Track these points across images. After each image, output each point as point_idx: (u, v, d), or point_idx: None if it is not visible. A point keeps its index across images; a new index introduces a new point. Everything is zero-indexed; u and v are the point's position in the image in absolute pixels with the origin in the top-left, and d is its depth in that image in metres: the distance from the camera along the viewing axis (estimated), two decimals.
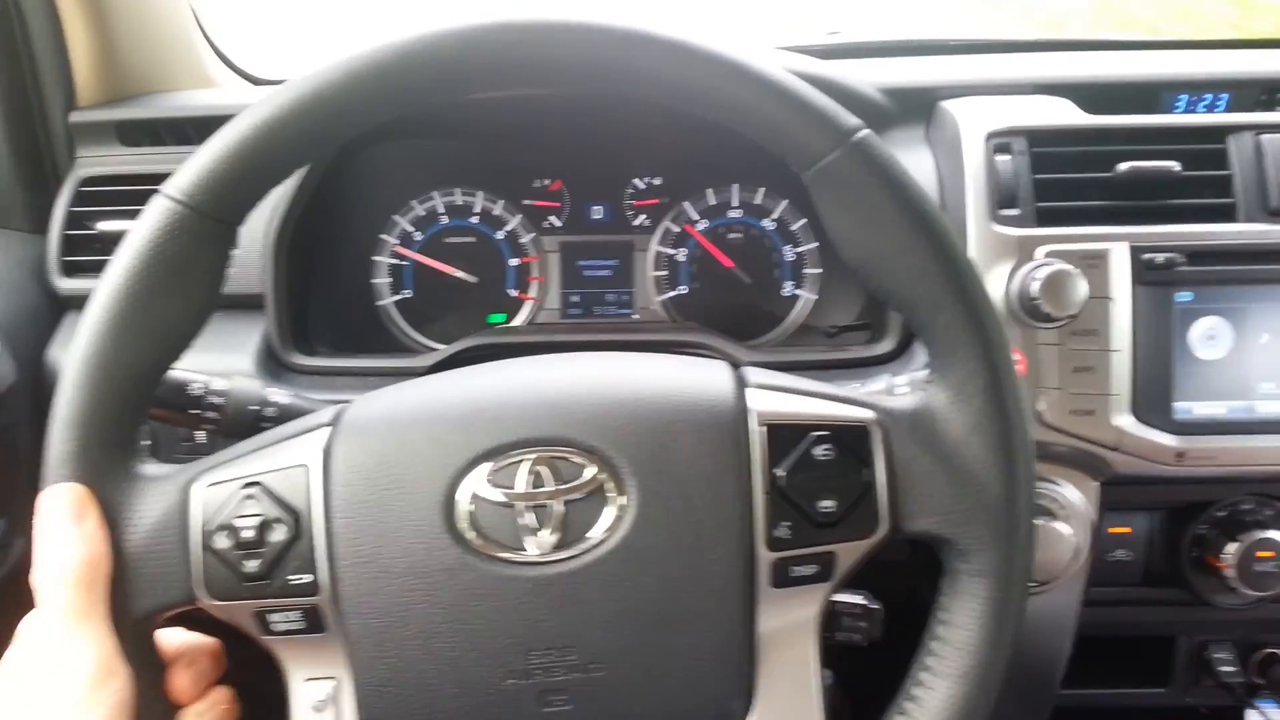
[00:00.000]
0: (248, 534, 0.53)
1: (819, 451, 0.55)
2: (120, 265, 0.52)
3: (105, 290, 0.52)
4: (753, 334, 1.06)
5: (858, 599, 0.66)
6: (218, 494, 0.54)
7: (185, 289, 0.53)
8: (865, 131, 0.53)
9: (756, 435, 0.55)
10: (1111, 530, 0.92)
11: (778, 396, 0.57)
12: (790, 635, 0.56)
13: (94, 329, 0.52)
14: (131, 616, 0.52)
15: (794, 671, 0.56)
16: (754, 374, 0.59)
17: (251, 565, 0.53)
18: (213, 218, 0.53)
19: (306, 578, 0.53)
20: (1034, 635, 0.93)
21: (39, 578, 0.51)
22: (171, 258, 0.52)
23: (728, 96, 0.53)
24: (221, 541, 0.53)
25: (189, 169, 0.53)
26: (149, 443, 0.87)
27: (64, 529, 0.51)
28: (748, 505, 0.54)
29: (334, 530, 0.53)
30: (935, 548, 0.57)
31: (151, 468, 0.55)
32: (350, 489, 0.54)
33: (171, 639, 0.57)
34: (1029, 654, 0.94)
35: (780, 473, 0.54)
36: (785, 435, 0.55)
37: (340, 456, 0.54)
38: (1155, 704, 1.05)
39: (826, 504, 0.54)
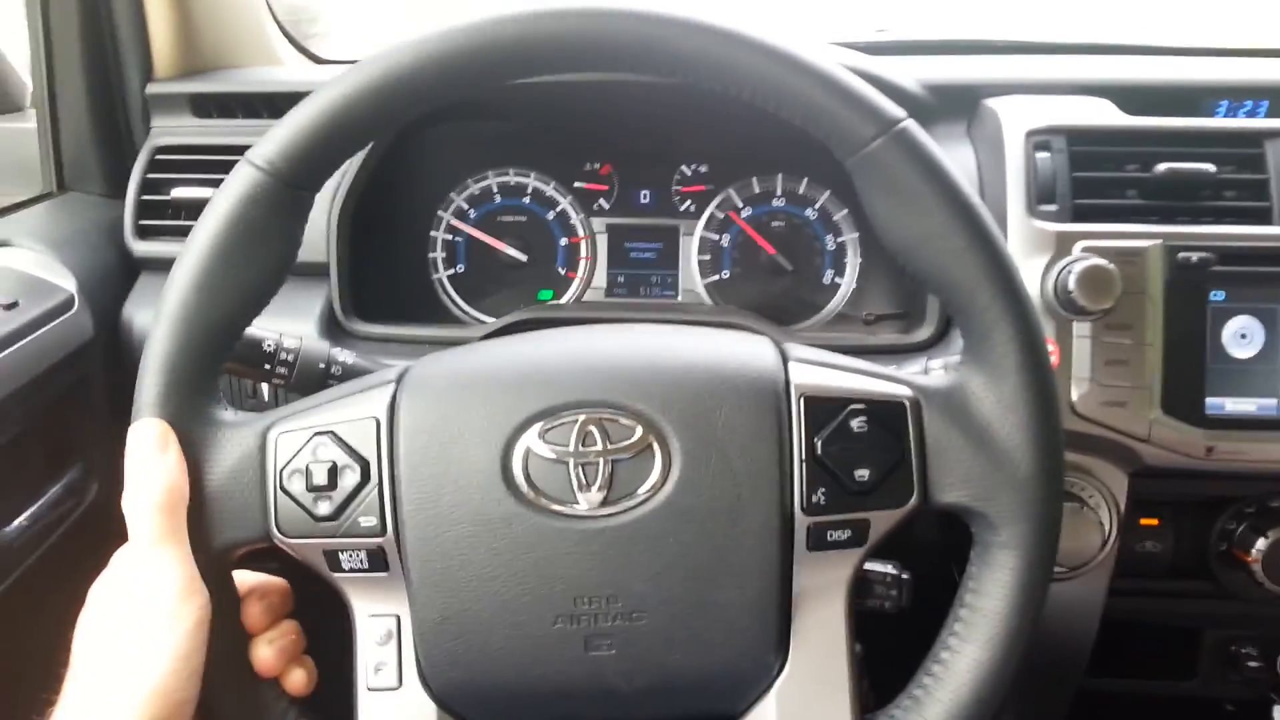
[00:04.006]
0: (320, 478, 0.56)
1: (855, 424, 0.57)
2: (207, 226, 0.56)
3: (193, 249, 0.56)
4: (792, 320, 1.09)
5: (889, 568, 0.69)
6: (293, 440, 0.57)
7: (265, 250, 0.57)
8: (907, 120, 0.55)
9: (796, 406, 0.57)
10: (1141, 522, 0.93)
11: (817, 370, 0.59)
12: (823, 596, 0.58)
13: (182, 285, 0.56)
14: (212, 550, 0.56)
15: (827, 630, 0.58)
16: (795, 349, 0.61)
17: (323, 507, 0.56)
18: (292, 185, 0.56)
19: (373, 520, 0.56)
20: (1060, 621, 0.94)
21: (128, 506, 0.55)
22: (253, 220, 0.56)
23: (775, 82, 0.55)
24: (296, 484, 0.56)
25: (271, 139, 0.56)
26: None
27: (150, 460, 0.55)
28: (786, 471, 0.56)
29: (399, 478, 0.56)
30: (966, 520, 0.59)
31: (230, 414, 0.59)
32: (414, 441, 0.57)
33: (244, 577, 0.61)
34: (1055, 640, 0.95)
35: (818, 442, 0.57)
36: (823, 407, 0.57)
37: (406, 411, 0.57)
38: (1180, 695, 1.07)
39: (861, 473, 0.56)
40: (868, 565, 0.66)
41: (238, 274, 0.56)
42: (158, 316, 0.56)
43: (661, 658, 0.57)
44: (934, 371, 0.79)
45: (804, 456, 0.57)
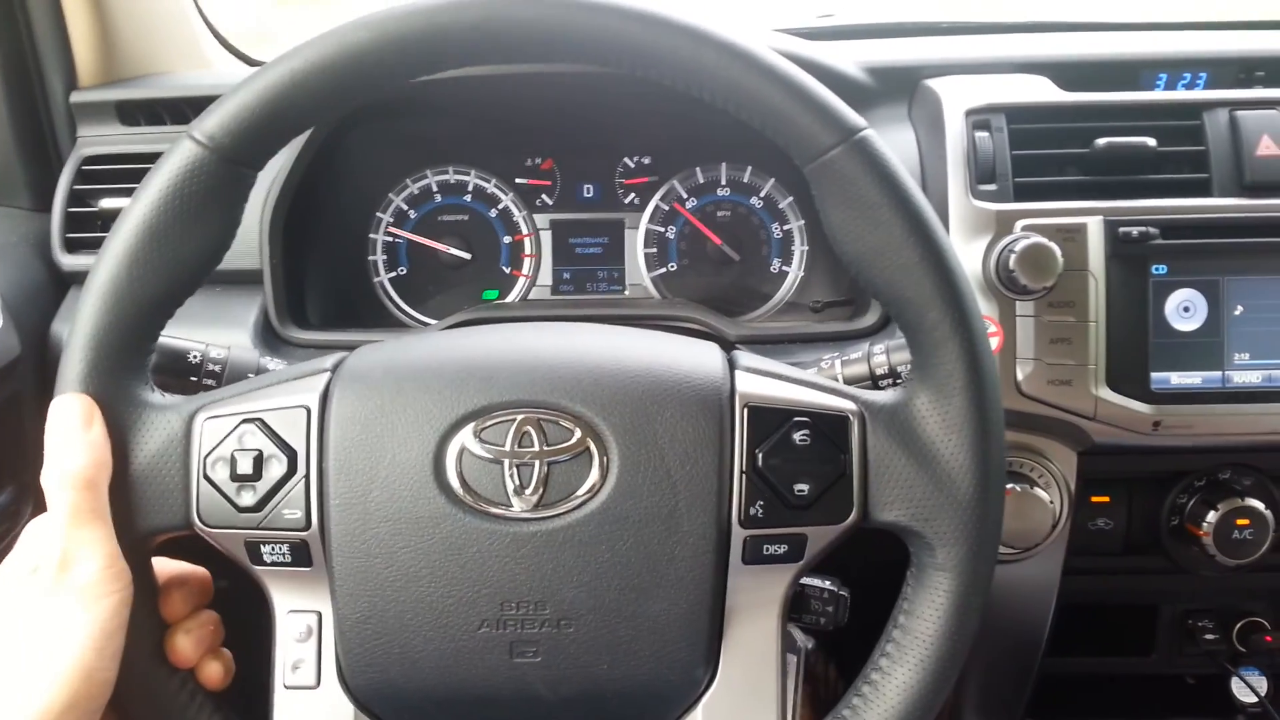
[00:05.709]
0: (244, 467, 0.55)
1: (798, 437, 0.56)
2: (143, 200, 0.55)
3: (127, 223, 0.55)
4: (740, 310, 1.08)
5: (827, 584, 0.68)
6: (219, 426, 0.56)
7: (201, 228, 0.55)
8: (868, 130, 0.55)
9: (739, 416, 0.56)
10: (1092, 499, 0.93)
11: (763, 381, 0.58)
12: (757, 611, 0.58)
13: (113, 260, 0.54)
14: (131, 535, 0.55)
15: (758, 646, 0.58)
16: (743, 357, 0.60)
17: (246, 497, 0.55)
18: (233, 161, 0.55)
19: (297, 513, 0.55)
20: (1017, 603, 0.95)
21: (47, 481, 0.53)
22: (191, 196, 0.54)
23: (736, 84, 0.54)
24: (220, 472, 0.55)
25: (213, 113, 0.54)
26: None
27: (72, 435, 0.53)
28: (725, 482, 0.56)
29: (327, 470, 0.55)
30: (904, 539, 0.58)
31: (157, 396, 0.57)
32: (345, 433, 0.56)
33: (164, 565, 0.60)
34: (1012, 622, 0.96)
35: (759, 454, 0.56)
36: (767, 418, 0.57)
37: (338, 401, 0.56)
38: (1140, 672, 1.07)
39: (801, 487, 0.56)
40: (805, 580, 0.66)
41: (172, 251, 0.55)
42: (86, 290, 0.55)
43: (588, 667, 0.56)
44: (876, 357, 0.78)
45: (744, 468, 0.56)
